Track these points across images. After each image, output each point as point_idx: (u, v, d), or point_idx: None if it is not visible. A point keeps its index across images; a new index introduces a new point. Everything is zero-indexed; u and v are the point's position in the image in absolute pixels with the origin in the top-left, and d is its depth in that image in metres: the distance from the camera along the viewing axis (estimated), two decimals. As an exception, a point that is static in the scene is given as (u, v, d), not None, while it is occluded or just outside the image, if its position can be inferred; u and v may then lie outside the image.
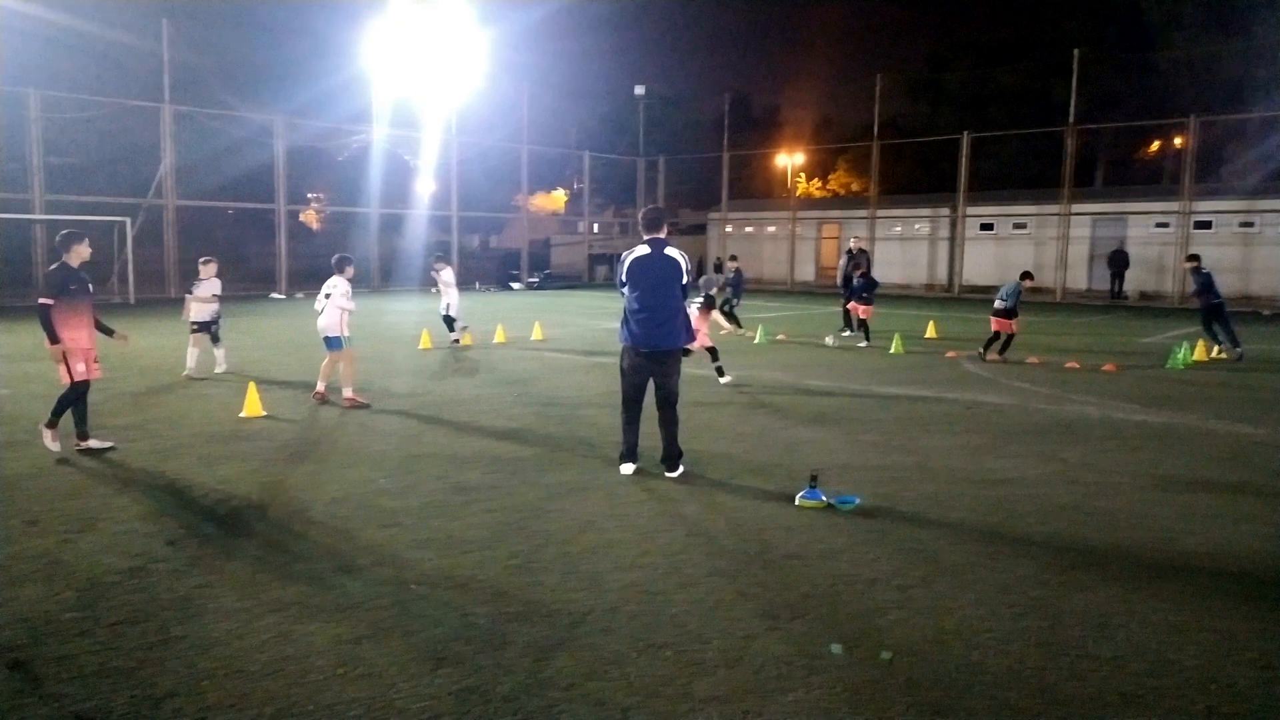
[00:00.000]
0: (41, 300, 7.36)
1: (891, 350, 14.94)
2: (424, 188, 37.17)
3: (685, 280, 6.91)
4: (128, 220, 24.62)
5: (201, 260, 11.91)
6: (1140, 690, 3.67)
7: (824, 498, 6.13)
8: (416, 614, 4.34)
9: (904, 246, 35.62)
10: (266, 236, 29.87)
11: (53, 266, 7.58)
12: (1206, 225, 28.74)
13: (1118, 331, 19.60)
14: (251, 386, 9.40)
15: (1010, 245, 33.02)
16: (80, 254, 7.58)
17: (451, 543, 5.37)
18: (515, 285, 34.70)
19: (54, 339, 7.34)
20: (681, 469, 6.94)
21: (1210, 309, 14.57)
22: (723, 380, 11.37)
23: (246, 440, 8.08)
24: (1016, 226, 33.06)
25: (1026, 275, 14.48)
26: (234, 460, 7.35)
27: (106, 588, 4.65)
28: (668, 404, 6.96)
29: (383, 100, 31.11)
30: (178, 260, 25.82)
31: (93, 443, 7.50)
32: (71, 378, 7.43)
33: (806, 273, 37.60)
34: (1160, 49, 35.59)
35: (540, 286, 34.76)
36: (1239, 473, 7.26)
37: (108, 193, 25.71)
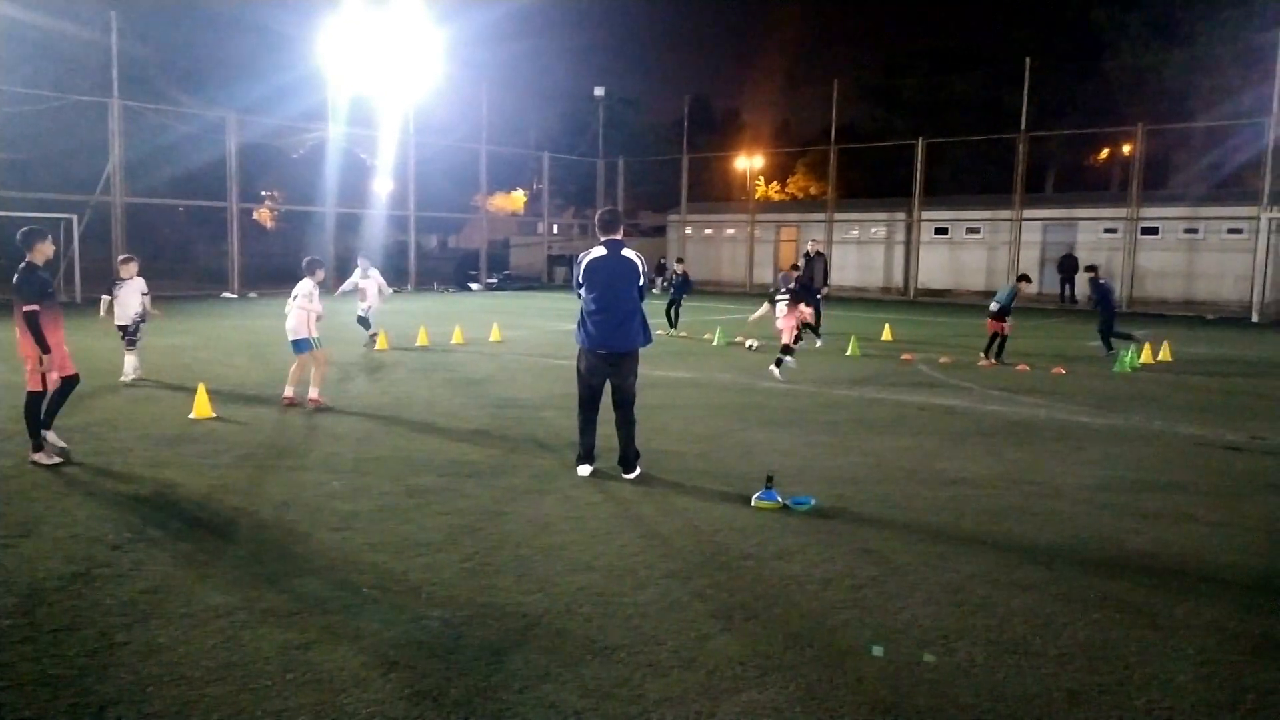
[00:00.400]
0: (29, 307, 6.93)
1: (848, 353, 15.10)
2: (381, 187, 36.83)
3: (642, 281, 6.93)
4: (74, 218, 24.01)
5: (121, 259, 11.18)
6: (1083, 687, 3.75)
7: (779, 499, 6.18)
8: (368, 618, 4.29)
9: (860, 250, 36.04)
10: (218, 235, 29.39)
11: (22, 267, 7.07)
12: (1153, 231, 29.47)
13: (1067, 335, 20.01)
14: (201, 388, 9.23)
15: (964, 249, 33.58)
16: (44, 252, 7.20)
17: (404, 546, 5.32)
18: (474, 286, 34.51)
19: (46, 348, 6.99)
20: (638, 470, 6.94)
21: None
22: (775, 371, 12.13)
23: (195, 443, 7.93)
24: (970, 231, 33.61)
25: (1024, 278, 14.69)
26: (182, 463, 7.21)
27: (48, 593, 4.53)
28: (625, 405, 6.97)
29: (338, 98, 30.74)
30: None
31: (40, 457, 7.11)
32: (44, 387, 7.10)
33: (765, 275, 37.83)
34: (1108, 59, 36.42)
35: (499, 287, 34.61)
36: (1181, 473, 7.45)
37: (53, 189, 25.10)
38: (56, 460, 7.07)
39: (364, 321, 15.03)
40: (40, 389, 7.12)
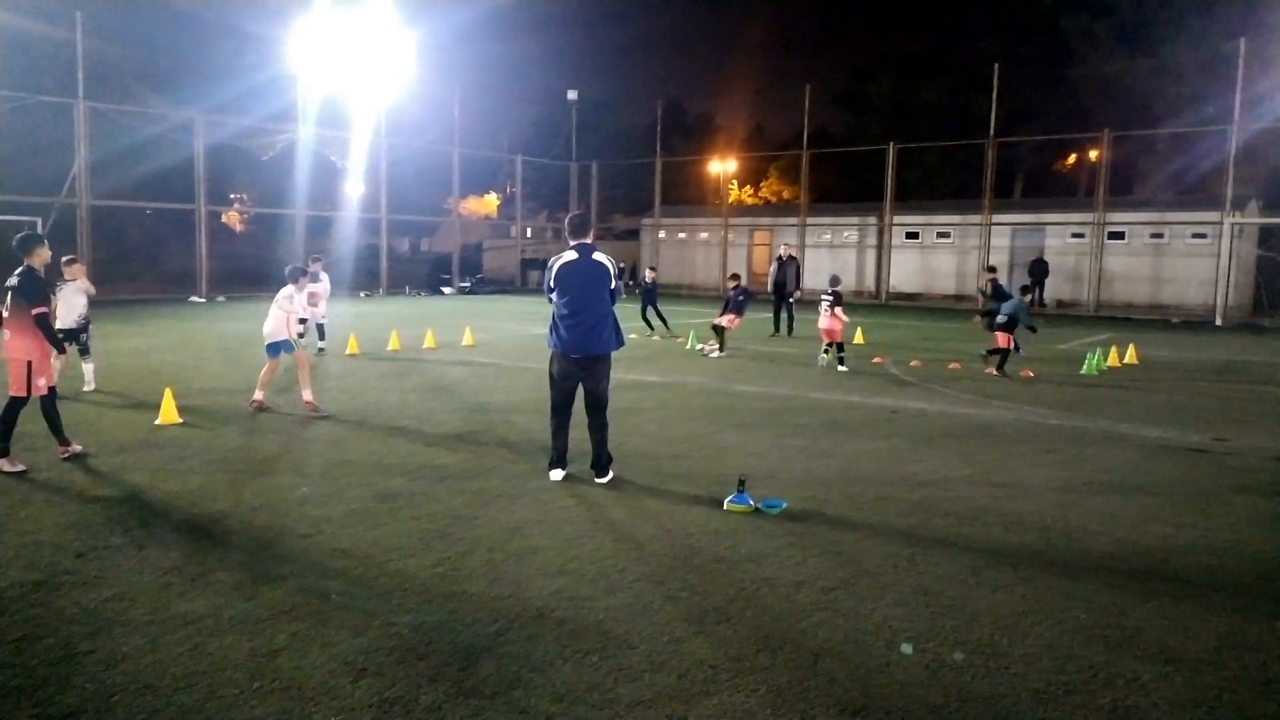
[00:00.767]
0: (40, 310, 7.10)
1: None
2: (353, 190, 36.56)
3: (613, 285, 6.93)
4: (39, 220, 23.62)
5: (65, 260, 10.53)
6: (1050, 686, 3.79)
7: (751, 502, 6.20)
8: (337, 624, 4.26)
9: (833, 254, 36.24)
10: (186, 237, 28.99)
11: (22, 271, 7.17)
12: (1120, 236, 29.91)
13: (1036, 338, 20.21)
14: (168, 393, 9.11)
15: (934, 254, 33.90)
16: (42, 256, 7.34)
17: (375, 551, 5.28)
18: (446, 290, 34.35)
19: (61, 348, 7.32)
20: (611, 474, 6.94)
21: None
22: (841, 368, 13.29)
23: (161, 448, 7.83)
24: (940, 235, 33.93)
25: (1026, 290, 14.75)
26: (147, 469, 7.11)
27: (9, 602, 4.45)
28: (597, 409, 6.96)
29: (308, 99, 30.49)
30: (91, 261, 24.87)
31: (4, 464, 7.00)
32: (29, 391, 7.11)
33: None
34: (1076, 66, 36.96)
35: (472, 291, 34.48)
36: (1145, 475, 7.56)
37: (17, 191, 24.66)
38: (20, 468, 6.95)
39: (319, 328, 14.43)
40: (25, 394, 7.11)
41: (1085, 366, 14.04)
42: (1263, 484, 7.30)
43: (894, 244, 33.95)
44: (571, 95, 41.95)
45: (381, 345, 15.40)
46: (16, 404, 7.08)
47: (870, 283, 35.08)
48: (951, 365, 14.22)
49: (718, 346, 15.48)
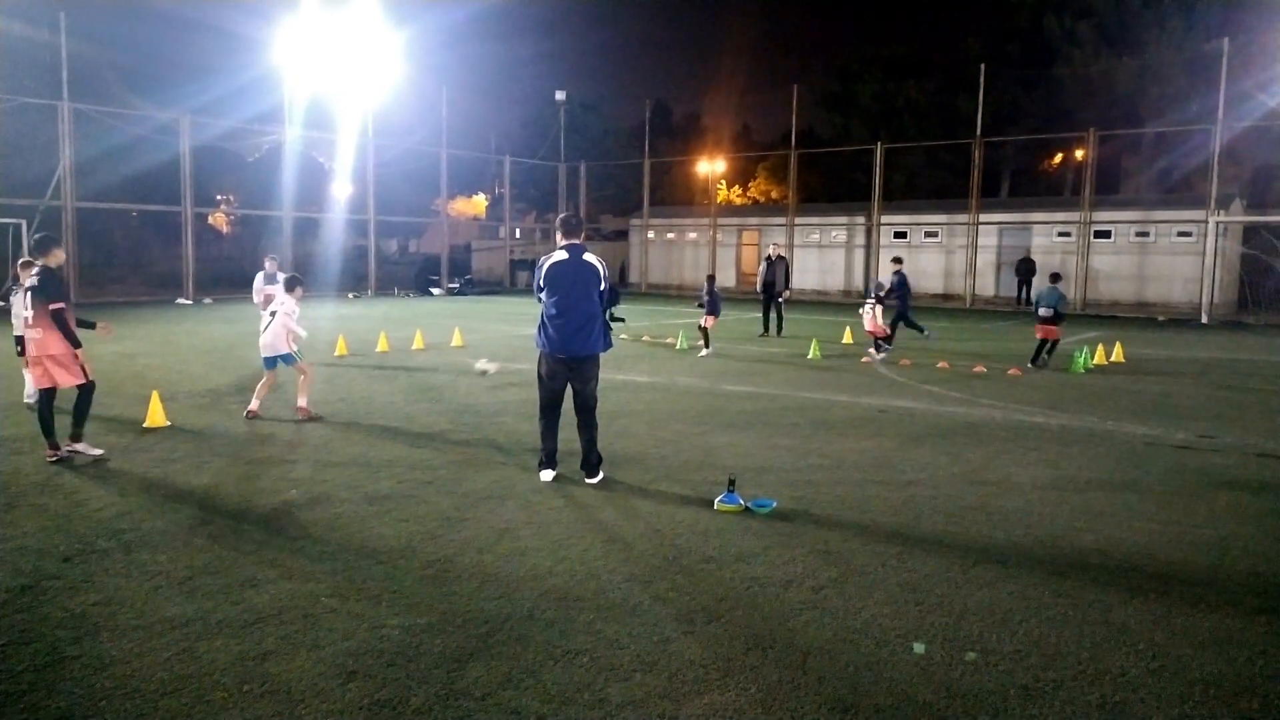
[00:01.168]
0: (58, 305, 7.41)
1: (809, 355, 15.23)
2: (340, 191, 36.43)
3: (603, 286, 6.93)
4: (23, 222, 23.47)
5: (20, 262, 9.62)
6: (1038, 682, 3.82)
7: (741, 501, 6.21)
8: (326, 627, 4.25)
9: (821, 254, 36.35)
10: (172, 239, 28.88)
11: (40, 270, 7.52)
12: (1106, 234, 30.08)
13: (1023, 337, 20.32)
14: (154, 396, 9.06)
15: (922, 253, 34.01)
16: (58, 257, 7.69)
17: (363, 553, 5.26)
18: (435, 291, 34.27)
19: (77, 343, 7.52)
20: (600, 475, 6.94)
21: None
22: (879, 356, 14.39)
23: (148, 451, 7.79)
24: (928, 235, 34.06)
25: (1057, 277, 14.98)
26: (134, 473, 7.08)
27: (-7, 608, 4.42)
28: (586, 410, 6.97)
29: (295, 100, 30.37)
30: (77, 264, 24.78)
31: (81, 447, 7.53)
32: (86, 376, 7.56)
33: (727, 279, 38.03)
34: (1060, 66, 37.15)
35: (461, 292, 34.40)
36: (1132, 472, 7.61)
37: (1, 194, 24.48)
38: (98, 452, 7.50)
39: None
40: (86, 379, 7.55)
41: (1072, 365, 14.12)
42: (1248, 480, 7.36)
43: (882, 244, 34.06)
44: (559, 96, 41.94)
45: (370, 347, 15.36)
46: (88, 391, 7.58)
47: (859, 282, 35.16)
48: (940, 364, 14.27)
49: (703, 345, 15.84)
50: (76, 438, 7.54)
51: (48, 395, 7.49)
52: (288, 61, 29.73)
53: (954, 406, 10.60)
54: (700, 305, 16.35)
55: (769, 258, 19.18)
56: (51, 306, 7.38)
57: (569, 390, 6.98)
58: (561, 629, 4.26)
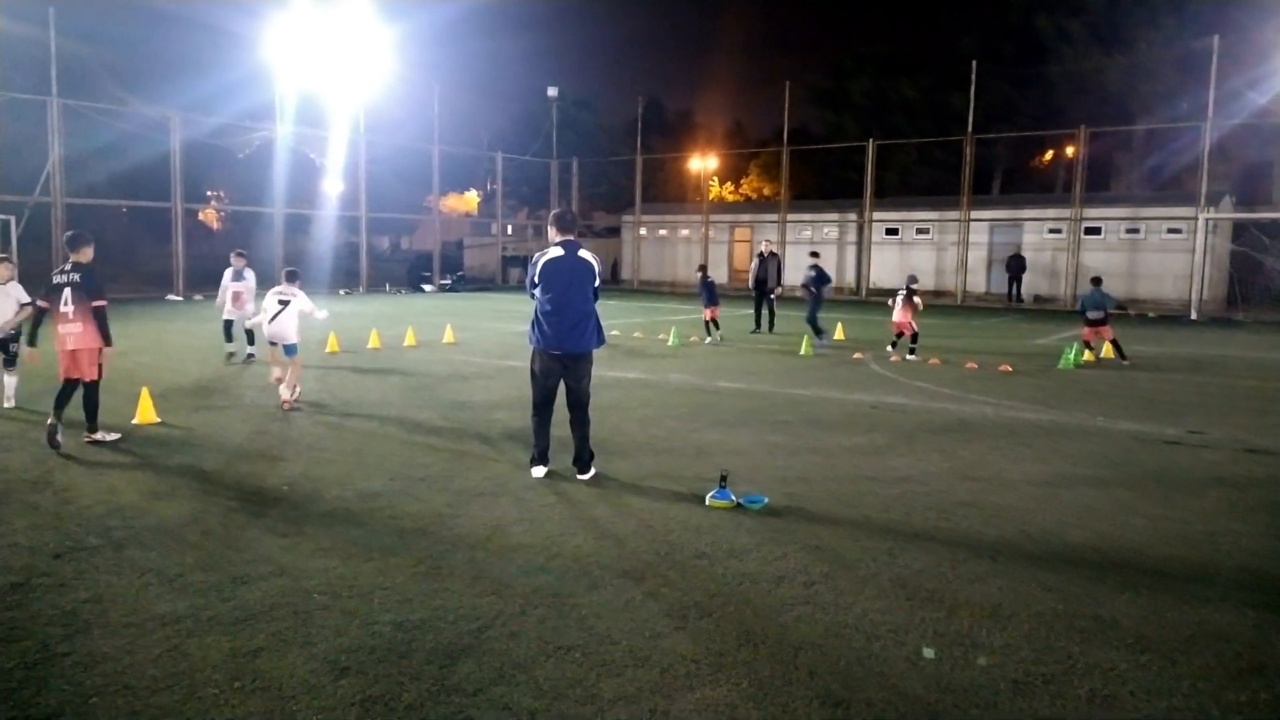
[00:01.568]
0: (102, 303, 7.83)
1: (801, 352, 15.25)
2: (332, 188, 36.32)
3: (597, 283, 6.93)
4: (11, 219, 23.33)
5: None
6: (1028, 677, 3.84)
7: (733, 498, 6.22)
8: (318, 624, 4.24)
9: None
10: (163, 236, 28.72)
11: (72, 267, 7.83)
12: (1096, 231, 30.19)
13: (1014, 334, 20.42)
14: (145, 392, 9.03)
15: (914, 250, 34.09)
16: (89, 254, 7.94)
17: (355, 550, 5.26)
18: (427, 288, 34.22)
19: (110, 341, 7.89)
20: (593, 471, 6.94)
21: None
22: (910, 357, 14.23)
23: (138, 448, 7.76)
24: (919, 232, 34.13)
25: (1097, 280, 15.23)
26: (124, 469, 7.05)
27: (-17, 605, 4.40)
28: (579, 406, 6.96)
29: (286, 96, 30.24)
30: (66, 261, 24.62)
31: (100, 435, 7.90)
32: (100, 373, 7.94)
33: (719, 275, 38.03)
34: (1051, 64, 37.26)
35: (453, 289, 34.35)
36: (1122, 468, 7.64)
37: (-11, 189, 24.38)
38: (115, 436, 7.95)
39: (248, 334, 13.11)
40: (99, 377, 7.94)
41: (1063, 361, 14.17)
42: (1236, 475, 7.40)
43: (874, 240, 34.12)
44: (552, 92, 41.85)
45: (362, 344, 15.33)
46: (96, 386, 7.90)
47: (850, 279, 35.24)
48: (932, 361, 14.31)
49: (711, 336, 16.93)
50: (93, 429, 7.86)
51: (73, 387, 7.85)
52: (278, 57, 29.59)
53: (946, 403, 10.63)
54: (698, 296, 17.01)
55: (761, 254, 19.20)
56: (95, 303, 7.77)
57: (562, 387, 6.97)
58: (554, 625, 4.27)
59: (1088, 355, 14.62)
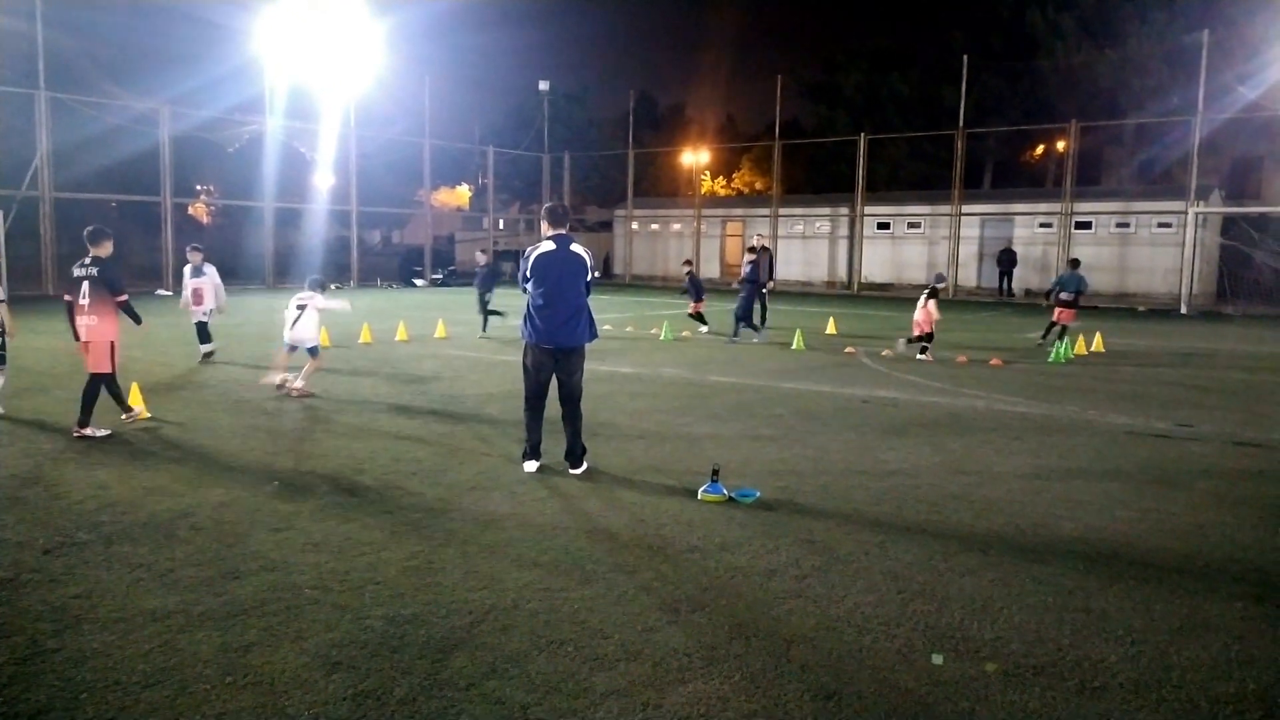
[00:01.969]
0: (124, 298, 8.13)
1: (793, 346, 15.27)
2: (322, 181, 36.13)
3: (590, 277, 6.92)
4: (0, 213, 23.19)
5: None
6: (1018, 669, 3.85)
7: (725, 492, 6.23)
8: (309, 619, 4.23)
9: (805, 245, 36.43)
10: (152, 230, 28.55)
11: (91, 261, 8.03)
12: (1086, 226, 30.28)
13: (1005, 328, 20.48)
14: (135, 387, 8.98)
15: (906, 244, 34.15)
16: (108, 248, 8.12)
17: (346, 545, 5.25)
18: (418, 282, 34.12)
19: (139, 321, 8.48)
20: (585, 465, 6.94)
21: (754, 294, 15.23)
22: (920, 357, 13.80)
23: (129, 443, 7.73)
24: (911, 226, 34.18)
25: (1076, 263, 15.74)
26: (114, 464, 7.02)
27: (-28, 601, 4.38)
28: (571, 401, 6.96)
29: (276, 89, 30.08)
30: (54, 255, 24.50)
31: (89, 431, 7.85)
32: (113, 368, 8.08)
33: (711, 270, 38.05)
34: (1043, 58, 37.31)
35: (444, 283, 34.26)
36: (1111, 461, 7.68)
37: (-24, 184, 24.21)
38: (106, 432, 7.87)
39: (202, 330, 12.63)
40: (110, 370, 8.07)
41: (1053, 355, 14.22)
42: (1225, 468, 7.44)
43: (866, 235, 34.16)
44: (543, 86, 41.74)
45: (353, 338, 15.29)
46: (100, 380, 8.01)
47: (842, 273, 35.28)
48: (921, 355, 14.33)
49: (706, 325, 17.46)
50: (83, 424, 7.81)
51: (106, 379, 8.03)
52: (269, 51, 29.42)
53: (936, 397, 10.65)
54: (684, 293, 17.38)
55: (753, 248, 19.15)
56: (117, 299, 8.04)
57: (554, 381, 6.97)
58: (546, 619, 4.27)
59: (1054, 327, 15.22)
